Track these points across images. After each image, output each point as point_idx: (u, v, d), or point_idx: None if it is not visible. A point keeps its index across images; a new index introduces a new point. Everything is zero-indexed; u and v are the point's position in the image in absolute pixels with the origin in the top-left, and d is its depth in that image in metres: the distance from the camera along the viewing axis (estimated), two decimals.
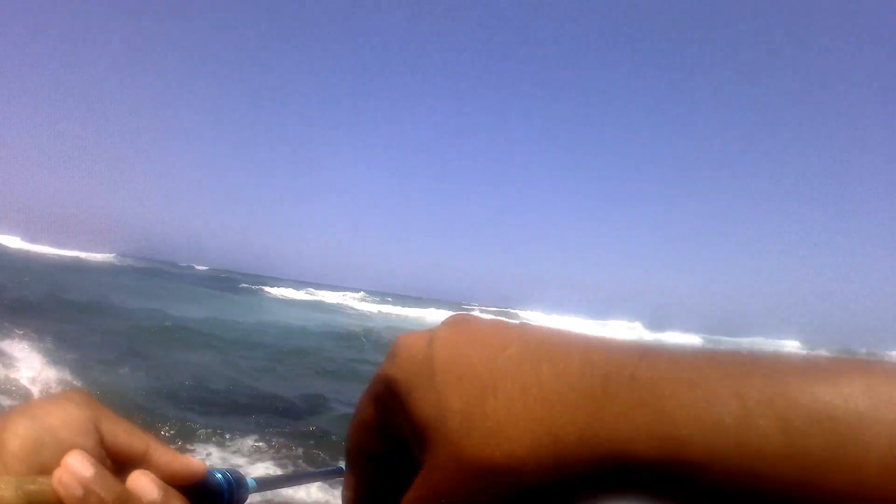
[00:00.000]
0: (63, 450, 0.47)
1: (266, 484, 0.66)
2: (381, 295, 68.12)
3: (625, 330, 55.42)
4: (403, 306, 53.43)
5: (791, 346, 53.50)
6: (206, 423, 7.98)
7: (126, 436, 0.52)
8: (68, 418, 0.50)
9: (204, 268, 74.59)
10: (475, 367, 0.41)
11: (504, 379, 0.39)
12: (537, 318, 58.71)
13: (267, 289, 53.10)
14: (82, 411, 0.51)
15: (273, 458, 7.14)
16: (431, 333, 0.45)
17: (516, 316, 58.38)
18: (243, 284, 54.88)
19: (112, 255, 69.60)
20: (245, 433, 7.76)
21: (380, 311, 47.87)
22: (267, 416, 9.06)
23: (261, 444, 7.47)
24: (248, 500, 0.61)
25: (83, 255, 63.82)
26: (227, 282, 55.80)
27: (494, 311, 61.75)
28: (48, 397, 0.53)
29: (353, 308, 47.75)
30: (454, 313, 0.49)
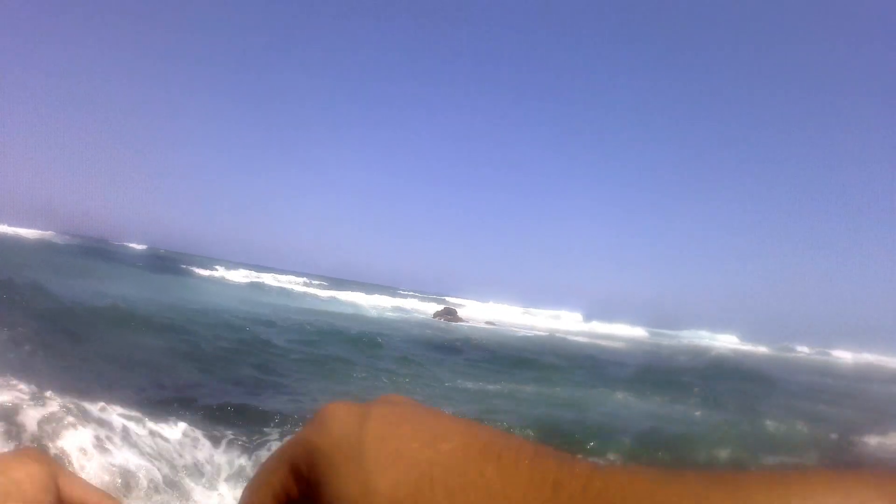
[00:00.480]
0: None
1: None
2: (317, 278, 66.64)
3: (564, 319, 54.74)
4: (341, 290, 52.43)
5: (729, 340, 53.40)
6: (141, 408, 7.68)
7: (81, 491, 0.54)
8: (32, 473, 0.51)
9: (142, 246, 72.16)
10: (412, 453, 0.38)
11: (444, 471, 0.36)
12: (472, 305, 57.79)
13: (202, 270, 51.79)
14: (42, 467, 0.52)
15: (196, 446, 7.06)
16: (366, 408, 0.42)
17: (445, 302, 57.44)
18: (184, 265, 53.41)
19: (51, 232, 66.53)
20: (179, 418, 7.67)
21: (332, 296, 47.45)
22: (199, 402, 8.93)
23: (188, 430, 7.35)
24: None
25: (23, 231, 61.26)
26: (169, 262, 54.30)
27: (428, 297, 60.65)
28: (9, 453, 0.54)
29: (302, 292, 47.20)
30: (390, 394, 0.46)
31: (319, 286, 56.15)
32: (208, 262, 63.96)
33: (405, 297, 58.19)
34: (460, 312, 42.77)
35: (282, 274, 65.31)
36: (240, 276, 53.74)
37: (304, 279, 62.44)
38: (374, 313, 36.88)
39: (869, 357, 46.67)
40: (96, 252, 50.71)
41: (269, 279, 54.69)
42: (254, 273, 58.35)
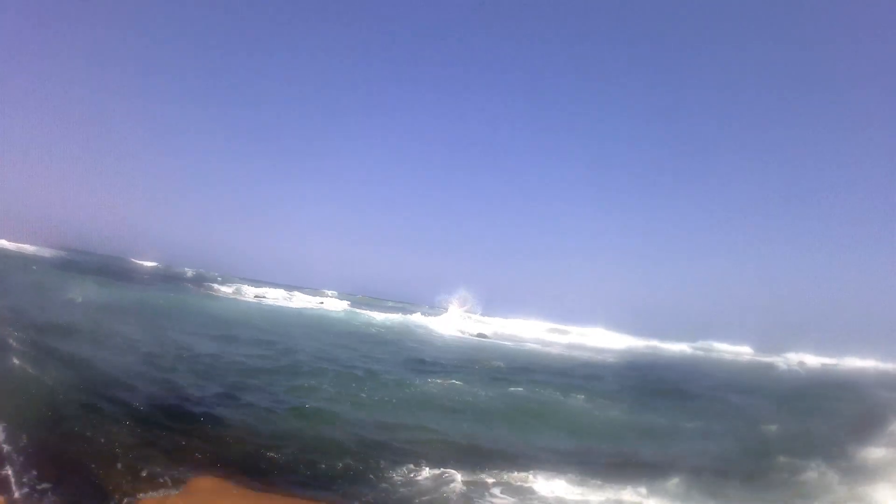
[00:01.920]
0: None
1: None
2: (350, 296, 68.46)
3: (581, 334, 57.53)
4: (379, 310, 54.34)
5: (744, 351, 56.77)
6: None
7: None
8: None
9: (153, 263, 72.13)
10: None
11: None
12: (493, 321, 60.31)
13: (224, 288, 53.73)
14: None
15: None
16: None
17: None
18: (217, 285, 54.90)
19: (60, 251, 65.07)
20: None
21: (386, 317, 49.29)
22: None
23: None
24: None
25: (33, 248, 60.67)
26: (204, 283, 55.95)
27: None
28: None
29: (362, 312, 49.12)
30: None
31: (358, 303, 58.06)
32: (225, 280, 65.31)
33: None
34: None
35: (293, 291, 66.55)
36: (280, 295, 55.70)
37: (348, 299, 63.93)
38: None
39: (874, 363, 48.43)
40: (121, 272, 51.93)
41: (304, 299, 56.56)
42: (283, 292, 59.65)
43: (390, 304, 79.98)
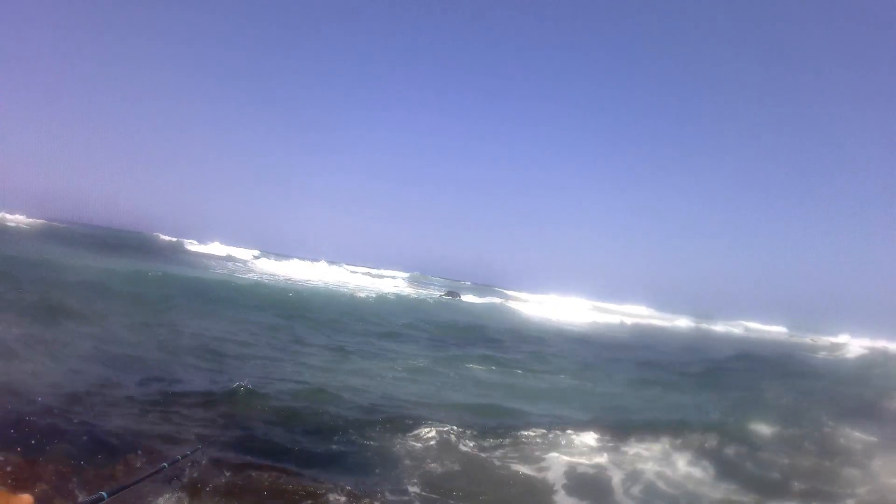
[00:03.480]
0: None
1: None
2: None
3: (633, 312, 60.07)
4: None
5: (778, 331, 60.36)
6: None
7: None
8: None
9: (172, 238, 70.47)
10: None
11: None
12: (526, 297, 62.05)
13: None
14: None
15: None
16: None
17: (505, 295, 61.74)
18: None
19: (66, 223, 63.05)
20: None
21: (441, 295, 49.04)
22: None
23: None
24: None
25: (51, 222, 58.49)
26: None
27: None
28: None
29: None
30: None
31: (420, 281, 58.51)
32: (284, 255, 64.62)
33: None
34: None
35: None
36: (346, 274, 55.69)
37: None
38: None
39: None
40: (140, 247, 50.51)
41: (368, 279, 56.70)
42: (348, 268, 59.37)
43: (411, 273, 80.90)
